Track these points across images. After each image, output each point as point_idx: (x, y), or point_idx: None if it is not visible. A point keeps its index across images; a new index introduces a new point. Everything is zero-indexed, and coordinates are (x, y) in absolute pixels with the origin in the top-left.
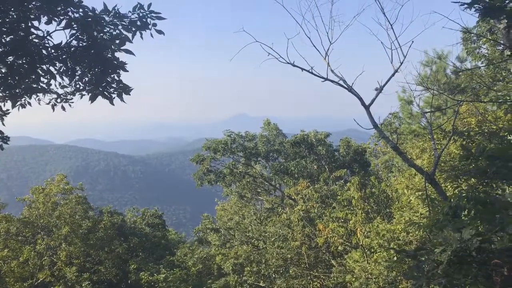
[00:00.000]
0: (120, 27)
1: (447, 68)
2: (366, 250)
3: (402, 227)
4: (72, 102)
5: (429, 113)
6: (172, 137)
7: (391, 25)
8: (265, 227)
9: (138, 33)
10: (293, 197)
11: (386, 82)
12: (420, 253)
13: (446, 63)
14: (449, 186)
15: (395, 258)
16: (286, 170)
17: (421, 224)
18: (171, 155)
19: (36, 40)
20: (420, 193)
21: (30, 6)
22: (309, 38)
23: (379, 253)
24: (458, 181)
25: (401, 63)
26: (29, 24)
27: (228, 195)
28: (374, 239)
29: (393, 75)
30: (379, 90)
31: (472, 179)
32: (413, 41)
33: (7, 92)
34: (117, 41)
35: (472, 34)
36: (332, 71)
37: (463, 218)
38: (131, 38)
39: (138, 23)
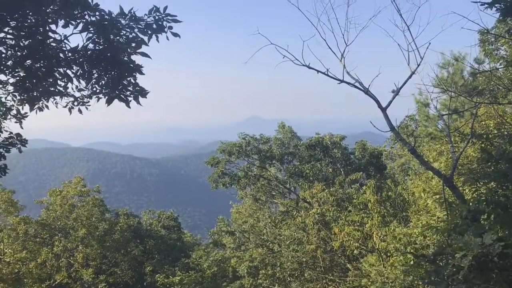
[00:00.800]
0: (136, 30)
1: (464, 70)
2: (382, 254)
3: (419, 231)
4: (89, 105)
5: (446, 116)
6: (187, 139)
7: (407, 26)
8: (280, 230)
9: (154, 36)
10: (308, 200)
11: (403, 84)
12: (439, 257)
13: (464, 64)
14: (467, 190)
15: (412, 262)
16: (301, 173)
17: (439, 228)
18: (186, 158)
19: (54, 44)
20: (437, 196)
21: (48, 11)
22: (325, 40)
23: (395, 257)
24: (476, 185)
25: (418, 65)
26: (47, 28)
27: (242, 197)
28: (391, 243)
29: (410, 77)
30: (396, 92)
31: (492, 182)
32: (430, 43)
33: (25, 95)
34: (133, 44)
35: (490, 35)
36: (348, 73)
37: (482, 222)
38: (147, 41)
39: (154, 26)
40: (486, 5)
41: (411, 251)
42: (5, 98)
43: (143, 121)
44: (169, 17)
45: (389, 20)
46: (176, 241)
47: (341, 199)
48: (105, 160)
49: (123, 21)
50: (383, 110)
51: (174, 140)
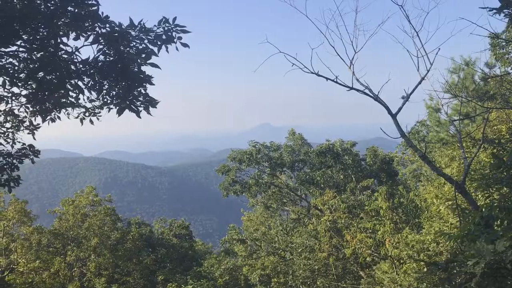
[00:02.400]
0: (146, 41)
1: (475, 75)
2: (395, 261)
3: (432, 238)
4: (100, 116)
5: (457, 121)
6: (197, 148)
7: (416, 32)
8: (292, 238)
9: (163, 46)
10: (319, 208)
11: (413, 90)
12: (452, 265)
13: (474, 69)
14: (480, 196)
15: (425, 269)
16: (312, 180)
17: (452, 234)
18: (197, 166)
19: (65, 56)
20: (450, 202)
21: (59, 23)
22: (333, 48)
23: (408, 264)
24: (489, 190)
25: (428, 71)
26: (58, 41)
27: (253, 205)
28: (403, 250)
29: (419, 82)
30: (406, 98)
31: (504, 188)
32: (439, 48)
33: (38, 107)
34: (143, 55)
35: (501, 40)
36: (357, 80)
37: (495, 228)
38: (157, 52)
39: (164, 37)
40: (494, 11)
41: (424, 258)
42: (18, 110)
43: (154, 130)
44: (178, 28)
45: (398, 26)
46: (187, 250)
47: (353, 206)
48: (117, 169)
49: (133, 33)
50: (393, 116)
51: (185, 148)
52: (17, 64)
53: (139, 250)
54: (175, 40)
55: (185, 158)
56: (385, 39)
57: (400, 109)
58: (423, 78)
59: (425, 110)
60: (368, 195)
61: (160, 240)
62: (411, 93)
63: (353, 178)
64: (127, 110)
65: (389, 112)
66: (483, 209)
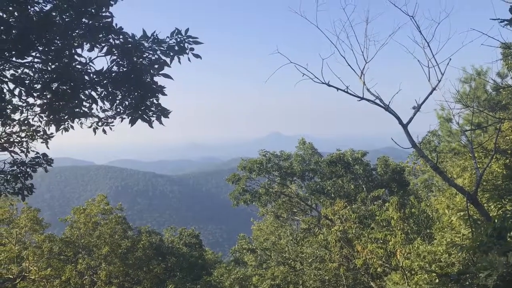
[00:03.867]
0: (158, 52)
1: (487, 85)
2: (406, 272)
3: (444, 249)
4: (113, 125)
5: (469, 131)
6: (208, 156)
7: (427, 43)
8: (302, 248)
9: (176, 57)
10: (330, 217)
11: (424, 100)
12: (464, 277)
13: (486, 79)
14: (492, 206)
15: (436, 281)
16: (323, 189)
17: (464, 245)
18: (207, 175)
19: (79, 66)
20: (461, 213)
21: (74, 35)
22: (344, 58)
23: (420, 275)
24: (502, 201)
25: (439, 81)
26: (73, 52)
27: (264, 214)
28: (415, 261)
29: (431, 93)
30: (417, 108)
31: None
32: (450, 59)
33: (52, 116)
34: (156, 66)
35: None
36: (368, 90)
37: (508, 240)
38: (169, 63)
39: (176, 48)
40: (506, 22)
41: (436, 269)
42: (32, 119)
43: (165, 138)
44: (190, 39)
45: (409, 37)
46: (197, 259)
47: (364, 216)
48: (128, 178)
49: (146, 44)
50: (404, 126)
51: (195, 157)
52: (31, 74)
53: (149, 258)
54: (187, 51)
55: (196, 167)
56: (396, 49)
57: (411, 119)
58: (434, 88)
59: (436, 120)
60: (379, 205)
61: (170, 249)
62: (422, 103)
63: (364, 188)
64: (139, 120)
65: (400, 122)
66: (496, 220)
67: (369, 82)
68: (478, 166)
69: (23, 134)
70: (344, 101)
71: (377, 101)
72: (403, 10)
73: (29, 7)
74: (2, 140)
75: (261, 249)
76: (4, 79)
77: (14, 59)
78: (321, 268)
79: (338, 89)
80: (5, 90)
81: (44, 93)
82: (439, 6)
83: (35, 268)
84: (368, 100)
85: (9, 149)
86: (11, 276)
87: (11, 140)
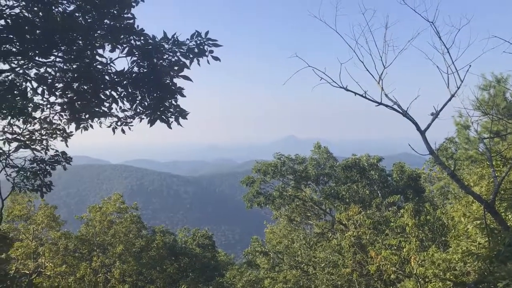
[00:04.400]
0: (178, 54)
1: (506, 92)
2: (420, 280)
3: (459, 257)
4: (132, 125)
5: (487, 139)
6: (222, 158)
7: (447, 49)
8: (315, 252)
9: (195, 59)
10: (344, 223)
11: (443, 107)
12: (482, 286)
13: (506, 87)
14: (510, 216)
15: None
16: (337, 194)
17: (480, 254)
18: (221, 176)
19: (100, 67)
20: (478, 221)
21: (95, 35)
22: (362, 63)
23: (434, 283)
24: None
25: (458, 88)
26: (94, 52)
27: (277, 218)
28: (429, 268)
29: (449, 99)
30: (435, 115)
31: None
32: (470, 66)
33: (72, 115)
34: (176, 68)
35: None
36: (386, 95)
37: None
38: (188, 65)
39: (196, 50)
40: None
41: (451, 277)
42: (52, 118)
43: (181, 139)
44: (210, 42)
45: (428, 42)
46: (210, 260)
47: (378, 222)
48: (143, 177)
49: (166, 45)
50: (422, 133)
51: (210, 158)
52: (53, 74)
53: (162, 258)
54: (206, 53)
55: (210, 168)
56: (415, 55)
57: (429, 125)
58: (453, 95)
59: (454, 127)
60: (394, 211)
61: (184, 249)
62: (440, 110)
63: (379, 194)
64: (158, 121)
65: (418, 128)
66: None
67: (387, 87)
68: (496, 174)
69: (43, 132)
70: (360, 106)
71: (395, 106)
72: (423, 16)
73: (53, 7)
74: (25, 138)
75: (273, 252)
76: (27, 77)
77: (38, 58)
78: (334, 273)
79: (356, 93)
80: (28, 89)
81: (66, 92)
82: (460, 12)
83: (50, 264)
84: (386, 106)
85: (31, 146)
86: (27, 272)
87: (34, 137)
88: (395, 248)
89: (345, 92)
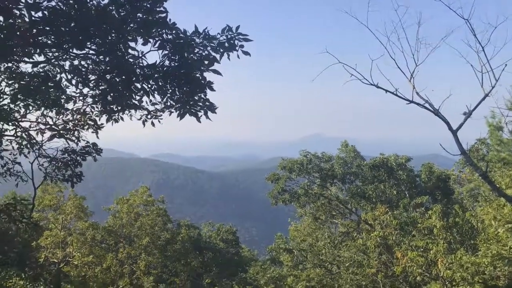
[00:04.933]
0: (209, 48)
1: None
2: (447, 283)
3: (489, 261)
4: (161, 119)
5: None
6: (248, 154)
7: (482, 47)
8: (339, 251)
9: (225, 54)
10: (369, 222)
11: (476, 107)
12: None
13: None
14: None
15: None
16: (363, 194)
17: (511, 259)
18: (246, 173)
19: (132, 60)
20: (510, 225)
21: (128, 28)
22: (394, 60)
23: (461, 287)
24: None
25: (493, 87)
26: (127, 45)
27: (302, 215)
28: (457, 271)
29: (483, 99)
30: (468, 114)
31: None
32: (506, 64)
33: (104, 107)
34: (206, 62)
35: None
36: (417, 93)
37: None
38: (219, 59)
39: (226, 44)
40: None
41: (479, 281)
42: (84, 109)
43: (206, 135)
44: (240, 36)
45: (463, 40)
46: (233, 255)
47: (405, 223)
48: (169, 171)
49: (197, 40)
50: (454, 132)
51: (235, 154)
52: (86, 66)
53: (187, 252)
54: (237, 48)
55: (235, 164)
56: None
57: (461, 125)
58: (487, 95)
59: (486, 128)
60: (422, 212)
61: (208, 244)
62: (473, 110)
63: (407, 194)
64: (187, 114)
65: (450, 128)
66: None
67: (419, 85)
68: None
69: (76, 123)
70: (388, 105)
71: (427, 105)
72: (458, 13)
73: (88, 0)
74: (58, 128)
75: (297, 250)
76: (62, 69)
77: (72, 50)
78: (358, 273)
79: (387, 91)
80: (63, 80)
81: (99, 84)
82: (497, 10)
83: (78, 254)
84: (417, 104)
85: (65, 136)
86: (55, 260)
87: (67, 127)
88: (422, 250)
89: (373, 91)
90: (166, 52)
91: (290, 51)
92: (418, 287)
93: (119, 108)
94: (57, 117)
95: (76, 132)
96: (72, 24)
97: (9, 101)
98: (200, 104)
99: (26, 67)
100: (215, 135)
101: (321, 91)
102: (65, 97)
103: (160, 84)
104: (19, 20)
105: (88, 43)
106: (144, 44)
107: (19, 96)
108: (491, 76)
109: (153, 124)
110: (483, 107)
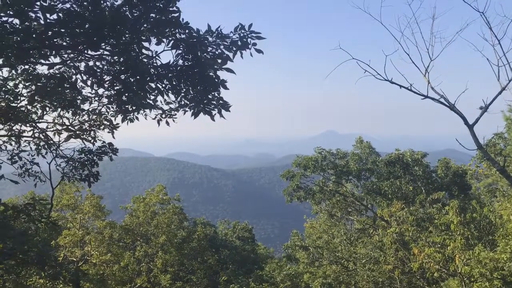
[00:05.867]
0: (222, 47)
1: None
2: (465, 279)
3: (508, 257)
4: (176, 118)
5: None
6: (261, 153)
7: (498, 40)
8: (356, 248)
9: (238, 52)
10: (386, 219)
11: (492, 101)
12: None
13: None
14: None
15: None
16: (379, 190)
17: None
18: (260, 170)
19: (146, 60)
20: None
21: (142, 29)
22: (408, 55)
23: (480, 283)
24: None
25: (510, 81)
26: (140, 45)
27: (317, 212)
28: (475, 267)
29: (500, 93)
30: (484, 109)
31: None
32: None
33: (119, 107)
34: (219, 60)
35: None
36: (432, 88)
37: None
38: (232, 58)
39: (239, 43)
40: None
41: (498, 277)
42: (100, 109)
43: (221, 133)
44: (253, 34)
45: (478, 34)
46: (250, 253)
47: (422, 219)
48: (184, 170)
49: (210, 38)
50: (470, 127)
51: (249, 153)
52: (101, 66)
53: (203, 249)
54: (249, 46)
55: (250, 162)
56: (463, 46)
57: (477, 120)
58: (503, 88)
59: (503, 122)
60: (438, 208)
61: (224, 241)
62: (490, 104)
63: (423, 190)
64: (201, 113)
65: (466, 122)
66: None
67: (434, 80)
68: None
69: (92, 123)
70: (403, 100)
71: (442, 100)
72: (473, 6)
73: (101, 1)
74: (75, 128)
75: (313, 247)
76: (77, 70)
77: (87, 51)
78: (375, 270)
79: (401, 86)
80: (78, 81)
81: (114, 84)
82: None
83: (96, 252)
84: (433, 99)
85: (81, 136)
86: (74, 259)
87: (84, 127)
88: (439, 246)
89: (387, 87)
90: (180, 51)
91: (304, 48)
92: (436, 284)
93: (134, 108)
94: (73, 117)
95: (92, 132)
96: (87, 26)
97: (26, 102)
98: (214, 102)
99: (42, 69)
100: (228, 134)
101: (335, 88)
102: (81, 98)
103: (174, 83)
104: (35, 23)
105: (103, 44)
106: (157, 44)
107: (36, 98)
108: (507, 69)
109: (167, 123)
110: (500, 101)
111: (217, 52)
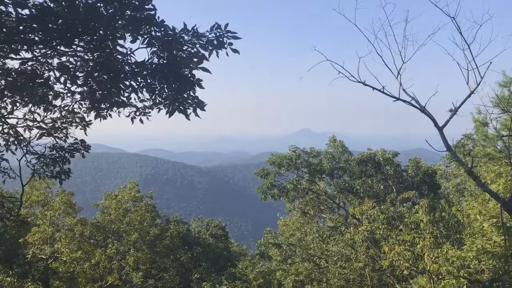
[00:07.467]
0: (198, 45)
1: None
2: (433, 276)
3: (474, 255)
4: (150, 116)
5: (506, 137)
6: (237, 150)
7: (468, 45)
8: (328, 246)
9: (214, 51)
10: (357, 217)
11: (461, 104)
12: (496, 284)
13: None
14: None
15: (465, 287)
16: (351, 188)
17: (495, 253)
18: (235, 168)
19: (120, 57)
20: (494, 220)
21: (116, 26)
22: (381, 57)
23: (447, 280)
24: None
25: (478, 84)
26: (115, 42)
27: (290, 210)
28: (443, 265)
29: (469, 96)
30: (454, 111)
31: None
32: (491, 62)
33: (92, 104)
34: (195, 59)
35: None
36: (404, 90)
37: None
38: (207, 57)
39: (215, 42)
40: None
41: (465, 275)
42: (72, 106)
43: (195, 130)
44: (229, 34)
45: (449, 38)
46: (223, 250)
47: (392, 217)
48: (158, 167)
49: (186, 37)
50: (440, 129)
51: (224, 150)
52: (74, 63)
53: (176, 247)
54: (226, 45)
55: (224, 160)
56: (434, 50)
57: (447, 122)
58: (472, 92)
59: (472, 124)
60: (409, 207)
61: (197, 239)
62: (459, 107)
63: (394, 189)
64: (176, 112)
65: (436, 124)
66: None
67: (406, 82)
68: None
69: (64, 120)
70: (376, 101)
71: (413, 102)
72: (445, 11)
73: None
74: (47, 126)
75: (286, 245)
76: (50, 67)
77: (60, 47)
78: (346, 267)
79: (374, 88)
80: (51, 78)
81: (87, 81)
82: (482, 8)
83: (66, 250)
84: (404, 101)
85: (54, 134)
86: (44, 256)
87: (56, 126)
88: (409, 244)
89: (362, 87)
90: (155, 49)
91: (280, 48)
92: (405, 281)
93: (108, 105)
94: (45, 114)
95: (64, 130)
96: (60, 21)
97: None
98: (189, 101)
99: (13, 64)
100: (204, 131)
101: (310, 87)
102: (52, 94)
103: (149, 81)
104: (6, 17)
105: (76, 40)
106: (132, 41)
107: (5, 93)
108: (476, 74)
109: (141, 121)
110: (469, 104)
111: (192, 51)
